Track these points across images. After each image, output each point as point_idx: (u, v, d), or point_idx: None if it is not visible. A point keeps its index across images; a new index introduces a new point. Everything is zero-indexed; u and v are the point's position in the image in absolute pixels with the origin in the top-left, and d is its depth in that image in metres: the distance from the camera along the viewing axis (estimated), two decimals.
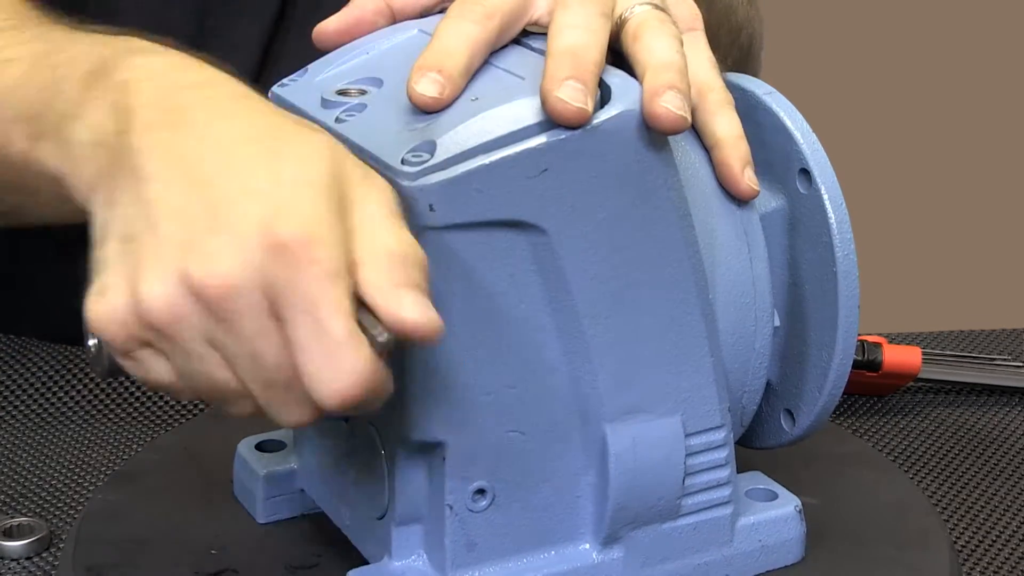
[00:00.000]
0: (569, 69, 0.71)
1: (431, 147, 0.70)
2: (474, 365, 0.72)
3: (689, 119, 0.72)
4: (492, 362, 0.72)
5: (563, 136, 0.70)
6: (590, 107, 0.70)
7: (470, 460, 0.73)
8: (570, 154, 0.70)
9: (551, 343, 0.73)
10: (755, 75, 1.16)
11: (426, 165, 0.69)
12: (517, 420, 0.74)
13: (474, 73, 0.74)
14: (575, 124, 0.70)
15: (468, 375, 0.72)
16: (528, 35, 0.78)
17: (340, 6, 0.81)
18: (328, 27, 0.80)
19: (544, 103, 0.70)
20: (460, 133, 0.70)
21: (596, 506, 0.76)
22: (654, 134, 0.72)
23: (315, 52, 0.81)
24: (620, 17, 0.76)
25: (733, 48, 1.19)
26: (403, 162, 0.70)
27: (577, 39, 0.73)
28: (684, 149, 0.77)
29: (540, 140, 0.70)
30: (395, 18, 0.81)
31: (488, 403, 0.73)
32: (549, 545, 0.76)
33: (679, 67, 0.73)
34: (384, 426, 0.74)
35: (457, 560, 0.74)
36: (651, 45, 0.74)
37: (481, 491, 0.74)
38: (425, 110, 0.72)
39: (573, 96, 0.70)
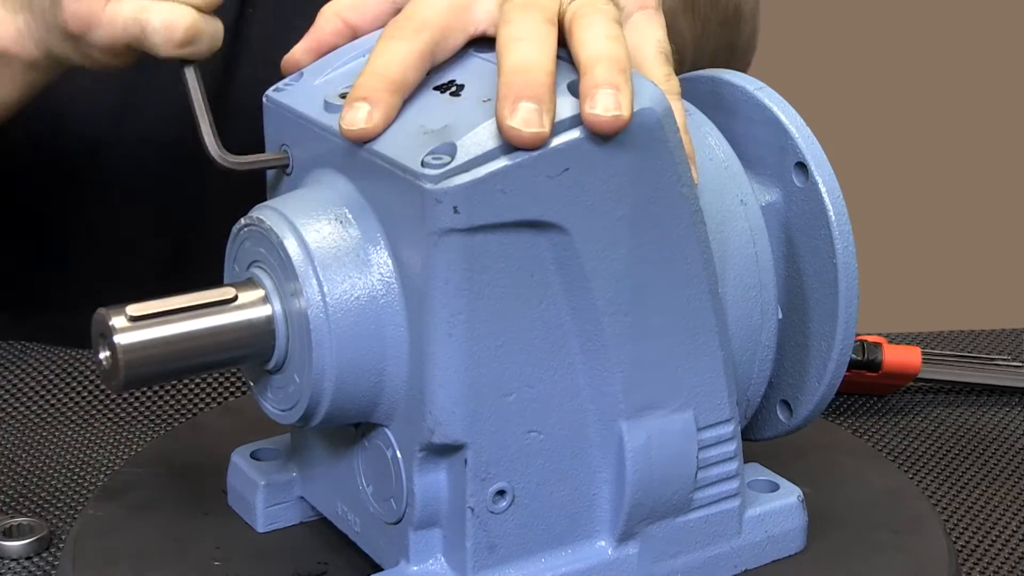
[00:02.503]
0: (520, 88, 0.70)
1: (451, 149, 0.70)
2: (496, 366, 0.72)
3: (626, 114, 0.70)
4: (513, 363, 0.72)
5: (583, 135, 0.70)
6: (547, 126, 0.69)
7: (491, 461, 0.73)
8: (590, 153, 0.71)
9: (570, 342, 0.73)
10: (743, 44, 1.16)
11: (449, 167, 0.69)
12: (537, 420, 0.74)
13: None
14: (533, 148, 0.69)
15: (490, 376, 0.72)
16: None
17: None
18: (295, 56, 0.81)
19: (500, 130, 0.69)
20: (479, 134, 0.70)
21: (612, 503, 0.76)
22: (668, 131, 0.72)
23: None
24: (560, 13, 0.75)
25: (715, 12, 1.18)
26: (423, 164, 0.70)
27: (525, 54, 0.71)
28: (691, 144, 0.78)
29: (561, 139, 0.70)
30: (355, 34, 0.81)
31: (509, 403, 0.73)
32: (566, 543, 0.76)
33: (611, 57, 0.71)
34: (401, 430, 0.74)
35: (479, 562, 0.74)
36: (583, 38, 0.73)
37: (501, 492, 0.74)
38: (356, 142, 0.72)
39: (527, 121, 0.69)
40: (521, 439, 0.74)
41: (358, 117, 0.72)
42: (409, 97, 0.74)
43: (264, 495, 0.83)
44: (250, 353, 0.74)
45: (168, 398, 1.02)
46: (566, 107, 0.71)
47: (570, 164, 0.70)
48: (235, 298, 0.74)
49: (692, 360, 0.76)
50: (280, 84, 0.79)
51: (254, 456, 0.85)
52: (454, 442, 0.72)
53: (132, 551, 0.82)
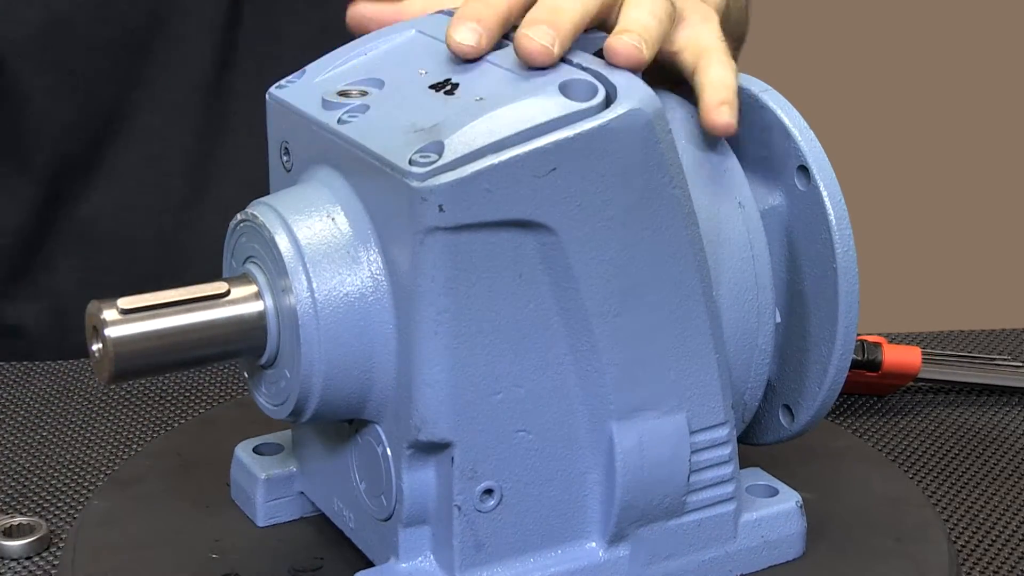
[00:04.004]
0: (544, 20, 0.74)
1: (439, 147, 0.70)
2: (483, 365, 0.72)
3: (647, 54, 0.75)
4: (501, 362, 0.72)
5: (571, 135, 0.70)
6: (556, 49, 0.73)
7: (478, 460, 0.73)
8: (578, 153, 0.71)
9: (559, 342, 0.73)
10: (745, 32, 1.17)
11: (435, 166, 0.69)
12: (525, 419, 0.74)
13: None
14: (539, 65, 0.73)
15: (477, 375, 0.72)
16: None
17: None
18: (366, 11, 0.85)
19: (515, 43, 0.73)
20: (468, 133, 0.70)
21: (602, 504, 0.76)
22: (659, 132, 0.72)
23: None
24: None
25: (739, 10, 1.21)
26: (411, 163, 0.70)
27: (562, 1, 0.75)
28: (685, 147, 0.78)
29: (548, 139, 0.70)
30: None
31: (497, 403, 0.73)
32: (556, 544, 0.76)
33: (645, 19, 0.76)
34: (391, 427, 0.74)
35: (466, 560, 0.74)
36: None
37: (489, 491, 0.74)
38: (463, 58, 0.75)
39: (541, 35, 0.73)
40: (509, 438, 0.74)
41: (468, 37, 0.75)
42: (404, 95, 0.75)
43: (264, 489, 0.84)
44: (241, 348, 0.75)
45: (168, 400, 1.03)
46: (554, 107, 0.71)
47: (557, 164, 0.70)
48: (227, 293, 0.74)
49: (685, 362, 0.76)
50: (282, 81, 0.80)
51: (257, 451, 0.86)
52: (440, 440, 0.73)
53: (132, 542, 0.83)
